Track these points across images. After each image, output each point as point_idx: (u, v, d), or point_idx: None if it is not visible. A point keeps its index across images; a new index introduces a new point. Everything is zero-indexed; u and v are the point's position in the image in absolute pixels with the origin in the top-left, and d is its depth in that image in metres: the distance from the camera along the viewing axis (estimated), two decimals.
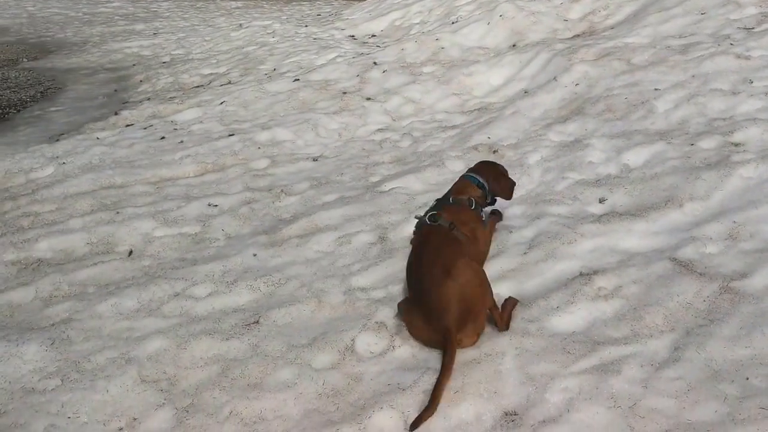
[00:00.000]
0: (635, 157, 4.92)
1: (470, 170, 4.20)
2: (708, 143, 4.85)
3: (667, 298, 3.33)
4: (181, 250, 4.51)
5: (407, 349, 3.26)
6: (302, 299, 3.72)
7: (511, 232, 4.19)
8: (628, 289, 3.46)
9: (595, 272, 3.63)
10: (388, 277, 3.87)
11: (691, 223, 3.98)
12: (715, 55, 6.17)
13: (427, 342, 3.25)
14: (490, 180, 4.10)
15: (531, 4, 9.57)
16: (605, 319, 3.29)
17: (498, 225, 4.30)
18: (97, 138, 6.91)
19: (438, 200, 4.00)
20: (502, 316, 3.33)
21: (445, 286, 3.17)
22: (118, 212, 5.02)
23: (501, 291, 3.60)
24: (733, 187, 4.18)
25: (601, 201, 4.43)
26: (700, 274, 3.45)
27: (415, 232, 3.88)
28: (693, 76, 5.96)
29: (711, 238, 3.75)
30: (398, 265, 3.97)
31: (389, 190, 5.06)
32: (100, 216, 4.98)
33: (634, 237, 3.96)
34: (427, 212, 3.83)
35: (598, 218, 4.16)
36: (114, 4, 21.20)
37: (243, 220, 4.86)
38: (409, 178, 5.22)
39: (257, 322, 3.56)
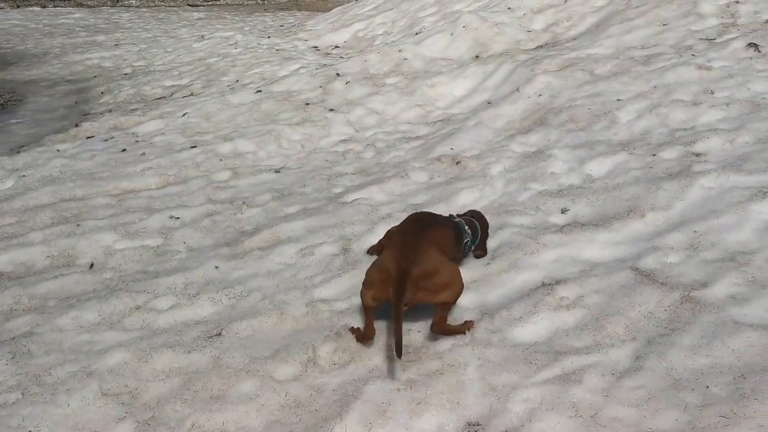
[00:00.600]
0: (598, 167, 4.96)
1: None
2: (670, 153, 4.90)
3: (628, 308, 3.34)
4: (143, 262, 4.48)
5: (370, 361, 3.25)
6: (264, 311, 3.70)
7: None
8: (590, 298, 3.48)
9: (558, 282, 3.65)
10: (351, 288, 3.86)
11: (653, 233, 4.01)
12: (677, 66, 6.25)
13: (376, 294, 3.29)
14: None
15: (494, 15, 9.64)
16: (567, 329, 3.30)
17: None
18: (58, 150, 6.85)
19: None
20: (444, 322, 3.35)
21: (427, 245, 3.36)
22: (78, 225, 4.97)
23: (464, 302, 3.61)
24: (694, 197, 4.22)
25: (564, 211, 4.45)
26: (662, 284, 3.47)
27: None
28: (655, 86, 6.03)
29: (672, 248, 3.78)
30: (362, 276, 3.96)
31: (352, 201, 5.06)
32: (61, 229, 4.93)
33: (597, 247, 3.98)
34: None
35: (561, 228, 4.19)
36: (75, 16, 21.04)
37: (205, 232, 4.84)
38: (372, 189, 5.22)
39: (219, 334, 3.54)
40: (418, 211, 4.26)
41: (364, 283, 3.40)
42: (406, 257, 3.24)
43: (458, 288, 3.37)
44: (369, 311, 3.38)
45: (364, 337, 3.40)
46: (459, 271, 3.44)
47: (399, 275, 3.16)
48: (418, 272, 3.21)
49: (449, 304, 3.38)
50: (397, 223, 3.96)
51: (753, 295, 3.26)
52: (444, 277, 3.34)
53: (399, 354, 2.99)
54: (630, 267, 3.68)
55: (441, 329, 3.35)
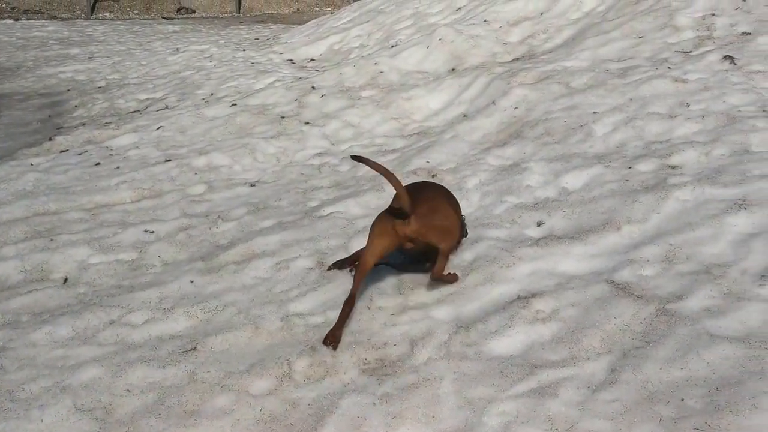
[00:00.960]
0: (574, 180, 4.96)
1: None
2: (646, 166, 4.91)
3: (604, 321, 3.35)
4: (117, 277, 4.45)
5: (345, 375, 3.25)
6: (239, 326, 3.68)
7: (451, 259, 4.18)
8: (565, 311, 3.49)
9: (533, 295, 3.65)
10: (327, 302, 3.85)
11: (629, 245, 4.01)
12: (652, 79, 6.28)
13: (380, 243, 3.60)
14: None
15: (470, 28, 9.66)
16: (543, 342, 3.30)
17: None
18: (31, 164, 6.79)
19: None
20: (443, 270, 3.69)
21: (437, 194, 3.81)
22: (52, 239, 4.94)
23: (440, 315, 3.62)
24: (670, 210, 4.24)
25: (540, 224, 4.46)
26: (638, 297, 3.48)
27: None
28: (631, 99, 6.05)
29: (648, 261, 3.78)
30: (337, 290, 3.96)
31: (328, 214, 5.05)
32: (35, 243, 4.89)
33: (572, 260, 3.98)
34: None
35: (537, 242, 4.19)
36: (49, 28, 20.91)
37: (180, 246, 4.81)
38: (348, 203, 5.21)
39: (194, 349, 3.52)
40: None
41: (368, 241, 3.64)
42: (415, 197, 3.58)
43: (458, 236, 3.68)
44: (361, 274, 3.61)
45: (348, 303, 3.56)
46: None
47: (408, 201, 3.50)
48: (426, 205, 3.61)
49: (450, 251, 3.73)
50: None
51: (728, 308, 3.27)
52: (450, 221, 3.70)
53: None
54: (606, 280, 3.69)
55: (440, 276, 3.71)
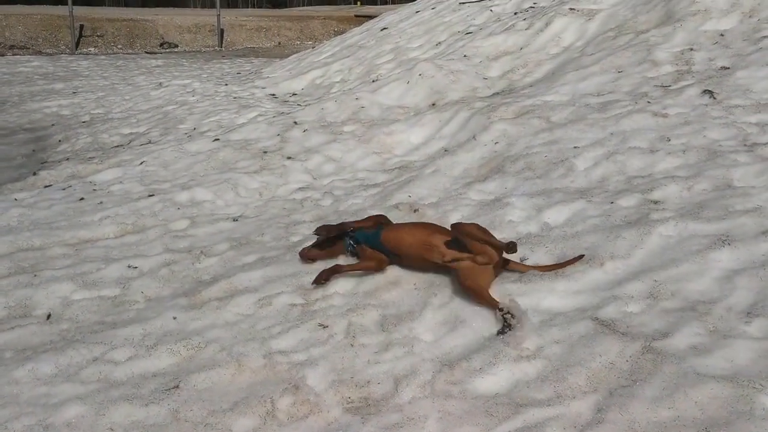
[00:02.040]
0: (556, 215, 4.96)
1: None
2: (628, 201, 4.90)
3: (589, 359, 3.33)
4: (101, 313, 4.43)
5: (329, 413, 3.23)
6: (222, 363, 3.66)
7: (435, 294, 4.19)
8: (550, 349, 3.47)
9: (518, 333, 3.64)
10: (310, 339, 3.84)
11: (613, 281, 4.00)
12: (632, 113, 6.31)
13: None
14: None
15: (450, 63, 9.73)
16: (528, 381, 3.29)
17: (418, 281, 4.37)
18: (15, 199, 6.78)
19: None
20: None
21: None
22: (36, 275, 4.92)
23: (423, 352, 3.62)
24: (653, 246, 4.22)
25: (522, 260, 4.45)
26: (623, 334, 3.46)
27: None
28: (612, 133, 6.07)
29: (632, 297, 3.77)
30: (318, 327, 3.95)
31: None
32: (18, 279, 4.88)
33: (556, 296, 3.96)
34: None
35: (520, 278, 4.17)
36: (33, 64, 20.96)
37: (163, 282, 4.80)
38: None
39: (177, 386, 3.50)
40: None
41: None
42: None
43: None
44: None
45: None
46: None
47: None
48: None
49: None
50: None
51: (714, 346, 3.25)
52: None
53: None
54: (590, 317, 3.67)
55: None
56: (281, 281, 4.55)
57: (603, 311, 3.71)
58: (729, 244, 3.99)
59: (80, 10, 32.97)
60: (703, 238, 4.14)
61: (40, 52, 26.78)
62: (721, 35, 7.67)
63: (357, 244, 4.69)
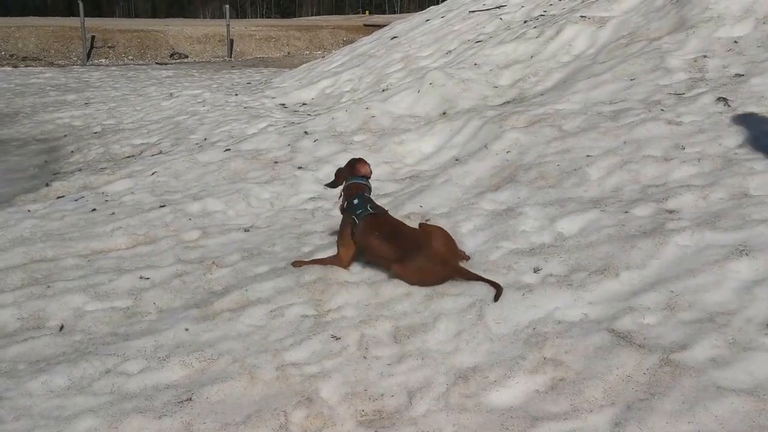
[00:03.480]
0: (569, 225, 4.92)
1: (354, 174, 5.11)
2: (642, 210, 4.85)
3: (606, 371, 3.28)
4: (113, 324, 4.41)
5: (342, 427, 3.20)
6: (235, 375, 3.63)
7: (448, 305, 4.14)
8: (566, 361, 3.43)
9: (533, 345, 3.61)
10: (322, 351, 3.80)
11: (629, 292, 3.95)
12: (646, 121, 6.27)
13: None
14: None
15: (460, 72, 9.71)
16: (543, 394, 3.24)
17: (430, 291, 4.34)
18: (29, 210, 6.80)
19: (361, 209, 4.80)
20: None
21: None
22: (48, 286, 4.91)
23: (438, 364, 3.58)
24: (669, 256, 4.17)
25: (536, 271, 4.41)
26: (640, 346, 3.41)
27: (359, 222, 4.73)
28: (625, 142, 6.04)
29: (649, 308, 3.72)
30: (331, 339, 3.92)
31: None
32: (31, 290, 4.87)
33: (571, 308, 3.91)
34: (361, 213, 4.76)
35: (534, 289, 4.13)
36: (46, 75, 21.09)
37: (175, 293, 4.78)
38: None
39: (190, 399, 3.47)
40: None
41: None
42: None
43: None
44: None
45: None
46: None
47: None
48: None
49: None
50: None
51: (734, 358, 3.20)
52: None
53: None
54: (606, 328, 3.61)
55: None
56: (293, 292, 4.52)
57: (619, 323, 3.65)
58: (747, 254, 3.94)
59: (92, 22, 33.22)
60: (721, 248, 4.09)
61: (52, 64, 26.96)
62: (735, 42, 7.63)
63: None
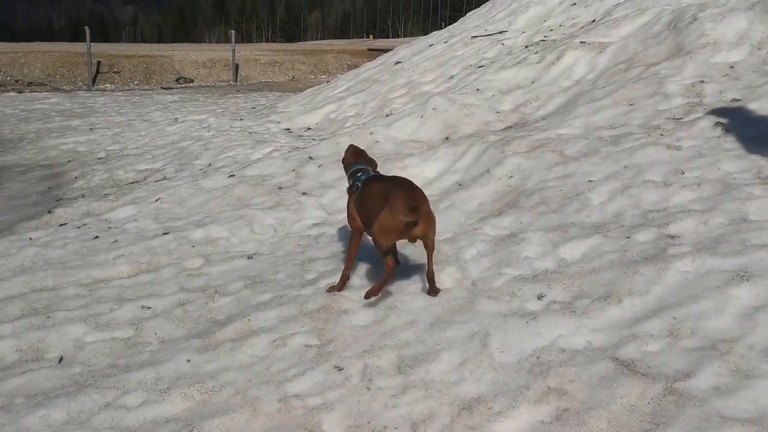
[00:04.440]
0: (572, 251, 4.92)
1: (359, 161, 5.24)
2: (644, 236, 4.86)
3: (610, 401, 3.26)
4: (113, 355, 4.39)
5: None
6: (237, 408, 3.61)
7: (452, 334, 4.13)
8: (570, 390, 3.41)
9: (537, 374, 3.59)
10: (325, 382, 3.78)
11: (632, 319, 3.94)
12: (646, 146, 6.28)
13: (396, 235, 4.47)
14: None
15: (463, 97, 9.73)
16: (548, 424, 3.22)
17: (434, 320, 4.33)
18: (30, 238, 6.79)
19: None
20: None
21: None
22: (49, 316, 4.89)
23: (441, 395, 3.56)
24: (671, 282, 4.17)
25: (540, 297, 4.40)
26: (643, 375, 3.40)
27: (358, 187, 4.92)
28: (625, 167, 6.05)
29: (652, 336, 3.71)
30: (333, 369, 3.90)
31: (325, 286, 5.01)
32: (31, 321, 4.85)
33: (575, 335, 3.90)
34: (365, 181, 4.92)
35: (537, 316, 4.12)
36: (51, 101, 21.18)
37: (177, 322, 4.76)
38: None
39: None
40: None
41: (380, 226, 4.41)
42: (417, 198, 4.46)
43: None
44: (390, 249, 4.56)
45: (392, 271, 4.56)
46: None
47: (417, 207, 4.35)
48: (427, 208, 4.52)
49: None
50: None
51: (737, 387, 3.19)
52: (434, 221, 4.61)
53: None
54: (610, 356, 3.60)
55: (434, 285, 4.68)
56: (296, 321, 4.51)
57: (622, 350, 3.64)
58: (748, 280, 3.93)
59: (98, 47, 33.40)
60: (721, 273, 4.09)
61: (57, 89, 27.07)
62: (731, 67, 7.65)
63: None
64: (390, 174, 5.78)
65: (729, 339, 3.56)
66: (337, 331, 4.35)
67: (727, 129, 6.31)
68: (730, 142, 6.05)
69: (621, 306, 4.09)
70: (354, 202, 4.92)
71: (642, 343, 3.67)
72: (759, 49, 7.81)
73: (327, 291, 4.91)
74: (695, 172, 5.66)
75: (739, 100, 6.89)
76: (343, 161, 5.36)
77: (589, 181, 5.96)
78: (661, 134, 6.55)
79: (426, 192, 7.07)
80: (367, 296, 4.51)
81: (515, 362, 3.77)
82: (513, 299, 4.44)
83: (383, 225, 4.41)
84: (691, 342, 3.61)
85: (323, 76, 32.92)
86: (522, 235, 5.31)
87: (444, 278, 4.91)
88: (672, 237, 4.76)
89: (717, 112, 6.75)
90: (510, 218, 5.74)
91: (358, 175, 5.01)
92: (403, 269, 5.05)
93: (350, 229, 5.02)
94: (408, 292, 4.78)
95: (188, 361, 4.16)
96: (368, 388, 3.71)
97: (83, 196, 8.87)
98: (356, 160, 5.24)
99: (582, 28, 11.69)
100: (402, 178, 4.83)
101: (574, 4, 13.49)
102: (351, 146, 5.43)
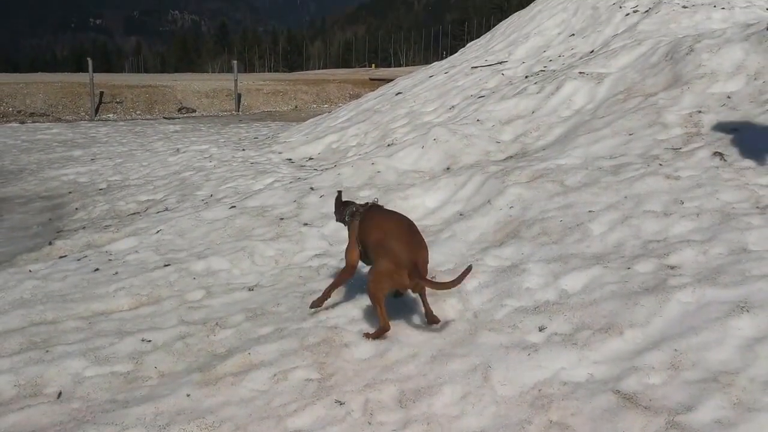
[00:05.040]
0: (573, 282, 4.92)
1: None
2: (644, 266, 4.86)
3: None
4: (113, 390, 4.36)
5: None
6: None
7: (454, 367, 4.12)
8: (573, 424, 3.40)
9: (539, 407, 3.58)
10: (327, 417, 3.76)
11: (633, 351, 3.93)
12: (645, 176, 6.30)
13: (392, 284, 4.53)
14: None
15: (463, 128, 9.77)
16: None
17: (436, 353, 4.31)
18: (30, 271, 6.78)
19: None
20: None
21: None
22: (48, 351, 4.86)
23: (443, 430, 3.55)
24: (672, 313, 4.17)
25: (541, 329, 4.39)
26: (645, 408, 3.39)
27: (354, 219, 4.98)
28: (625, 197, 6.06)
29: (653, 368, 3.70)
30: (334, 404, 3.88)
31: (326, 319, 5.00)
32: (30, 355, 4.81)
33: (576, 367, 3.90)
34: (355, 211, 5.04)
35: (539, 348, 4.11)
36: (53, 131, 21.27)
37: (177, 356, 4.74)
38: (346, 307, 5.17)
39: None
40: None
41: (378, 275, 4.48)
42: (416, 247, 4.50)
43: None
44: (382, 302, 4.50)
45: (384, 331, 4.56)
46: None
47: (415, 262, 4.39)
48: (425, 257, 4.53)
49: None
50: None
51: (739, 419, 3.18)
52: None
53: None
54: (612, 389, 3.59)
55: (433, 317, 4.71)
56: (296, 354, 4.49)
57: (624, 383, 3.64)
58: (748, 311, 3.93)
59: (101, 77, 33.61)
60: (722, 304, 4.09)
61: (59, 119, 27.20)
62: (728, 97, 7.70)
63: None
64: (390, 206, 5.80)
65: (730, 371, 3.55)
66: (337, 365, 4.34)
67: (726, 159, 6.34)
68: (729, 172, 6.07)
69: (622, 338, 4.08)
70: (355, 230, 4.95)
71: (644, 376, 3.66)
72: (755, 79, 7.85)
73: (310, 306, 5.12)
74: (694, 202, 5.68)
75: (737, 129, 6.91)
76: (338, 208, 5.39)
77: (590, 211, 5.97)
78: (660, 164, 6.57)
79: (427, 222, 7.18)
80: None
81: (517, 395, 3.75)
82: (514, 331, 4.44)
83: (381, 272, 4.51)
84: (692, 374, 3.60)
85: (325, 106, 33.07)
86: (523, 265, 5.32)
87: (446, 309, 4.91)
88: (672, 267, 4.76)
89: (715, 141, 6.79)
90: (511, 249, 5.75)
91: (354, 208, 5.10)
92: (403, 302, 5.05)
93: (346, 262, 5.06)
94: (409, 324, 4.78)
95: (188, 395, 4.13)
96: (369, 423, 3.69)
97: (84, 228, 8.88)
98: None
99: (581, 58, 11.78)
100: (400, 217, 4.89)
101: (573, 34, 13.60)
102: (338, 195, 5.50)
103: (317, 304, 5.06)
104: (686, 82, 8.28)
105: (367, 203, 5.10)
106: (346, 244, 5.03)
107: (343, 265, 5.13)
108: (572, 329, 4.32)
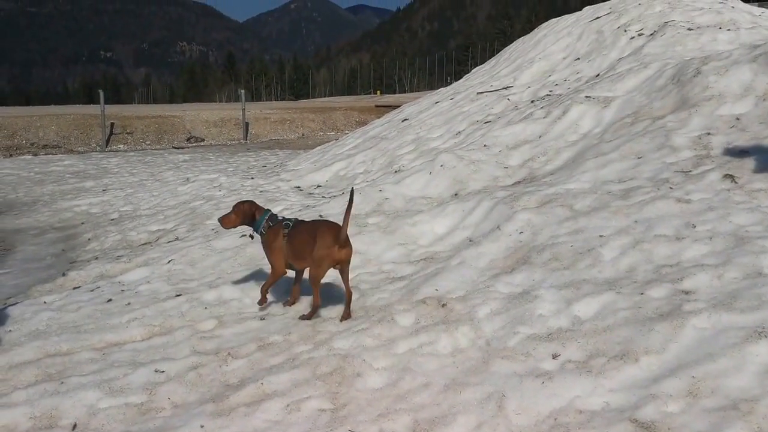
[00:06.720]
0: (585, 308, 4.89)
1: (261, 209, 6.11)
2: (658, 292, 4.83)
3: None
4: (127, 422, 4.36)
5: None
6: None
7: (467, 395, 4.10)
8: None
9: None
10: None
11: (649, 378, 3.89)
12: (655, 200, 6.28)
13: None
14: None
15: (471, 153, 9.78)
16: None
17: (449, 381, 4.28)
18: (44, 302, 6.79)
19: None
20: None
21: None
22: (62, 382, 4.86)
23: None
24: (688, 339, 4.13)
25: (555, 357, 4.37)
26: None
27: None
28: (636, 221, 6.05)
29: (671, 396, 3.66)
30: None
31: (338, 348, 4.99)
32: (45, 387, 4.81)
33: (592, 396, 3.86)
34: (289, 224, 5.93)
35: (553, 376, 4.09)
36: (65, 162, 21.41)
37: (190, 387, 4.73)
38: (358, 336, 5.15)
39: None
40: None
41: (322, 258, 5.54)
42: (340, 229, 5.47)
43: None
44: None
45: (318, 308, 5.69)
46: None
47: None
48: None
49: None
50: None
51: None
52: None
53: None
54: (629, 418, 3.56)
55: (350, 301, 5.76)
56: (309, 384, 4.48)
57: (642, 412, 3.60)
58: (766, 336, 3.90)
59: (111, 109, 33.83)
60: (739, 330, 4.05)
61: (71, 151, 27.36)
62: (737, 119, 7.69)
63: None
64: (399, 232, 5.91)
65: (750, 398, 3.51)
66: (350, 395, 4.32)
67: (737, 181, 6.32)
68: (741, 195, 6.05)
69: (638, 365, 4.04)
70: (281, 242, 5.82)
71: (661, 404, 3.62)
72: (764, 100, 7.85)
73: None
74: (707, 225, 5.65)
75: (747, 151, 6.90)
76: (243, 211, 6.02)
77: (600, 236, 5.95)
78: (671, 187, 6.55)
79: (437, 248, 7.19)
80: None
81: (532, 424, 3.73)
82: (528, 359, 4.42)
83: (320, 255, 5.51)
84: (711, 402, 3.56)
85: (332, 133, 33.17)
86: (535, 292, 5.30)
87: (458, 338, 4.89)
88: (686, 293, 4.73)
89: (725, 164, 6.77)
90: (522, 275, 5.73)
91: (282, 220, 5.98)
92: (413, 330, 5.04)
93: (273, 267, 5.91)
94: (421, 353, 4.76)
95: (202, 426, 4.13)
96: None
97: (96, 258, 8.90)
98: (257, 207, 6.05)
99: (587, 82, 11.80)
100: (322, 220, 5.83)
101: (578, 58, 13.63)
102: (248, 200, 6.17)
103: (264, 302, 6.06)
104: (694, 104, 8.28)
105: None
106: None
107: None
108: (586, 356, 4.30)
